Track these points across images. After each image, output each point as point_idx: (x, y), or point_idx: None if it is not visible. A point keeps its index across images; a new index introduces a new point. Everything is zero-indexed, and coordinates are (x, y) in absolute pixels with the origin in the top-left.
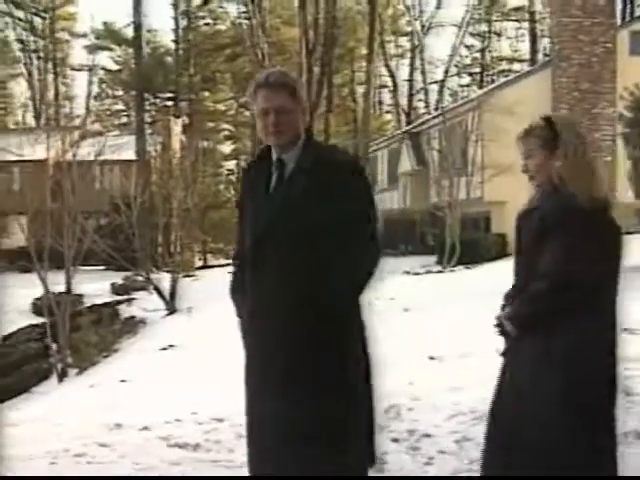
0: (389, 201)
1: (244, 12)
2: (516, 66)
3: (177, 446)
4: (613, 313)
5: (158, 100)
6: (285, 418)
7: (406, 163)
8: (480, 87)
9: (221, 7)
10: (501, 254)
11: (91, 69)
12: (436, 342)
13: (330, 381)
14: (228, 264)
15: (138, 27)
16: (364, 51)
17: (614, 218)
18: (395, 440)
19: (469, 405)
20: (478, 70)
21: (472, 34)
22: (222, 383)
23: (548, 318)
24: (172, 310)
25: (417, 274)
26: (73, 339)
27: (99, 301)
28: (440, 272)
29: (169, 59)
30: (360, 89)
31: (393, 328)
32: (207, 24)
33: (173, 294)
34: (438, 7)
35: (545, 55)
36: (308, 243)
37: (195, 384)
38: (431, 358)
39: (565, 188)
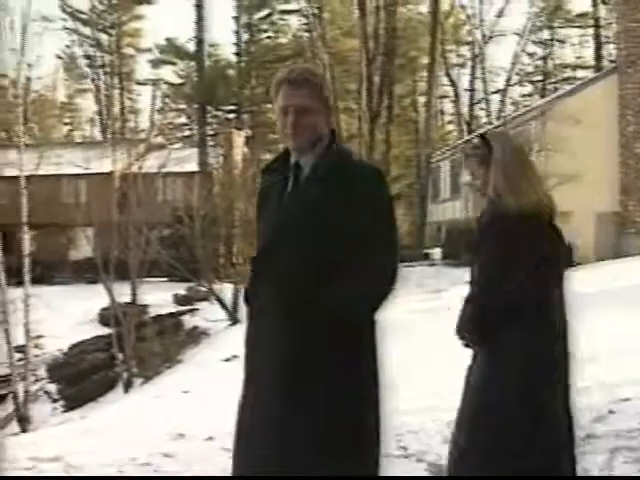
0: (451, 211)
1: (305, 24)
2: (580, 73)
3: None
4: (548, 314)
5: (220, 113)
6: (291, 424)
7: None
8: (542, 95)
9: (282, 19)
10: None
11: (155, 83)
12: None
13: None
14: None
15: (200, 41)
16: (425, 60)
17: (548, 224)
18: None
19: None
20: (540, 78)
21: (534, 42)
22: None
23: (482, 323)
24: (235, 321)
25: None
26: (138, 349)
27: (163, 312)
28: None
29: (231, 72)
30: (421, 99)
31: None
32: (269, 37)
33: (235, 304)
34: (499, 16)
35: (610, 61)
36: (320, 250)
37: None
38: None
39: (500, 199)
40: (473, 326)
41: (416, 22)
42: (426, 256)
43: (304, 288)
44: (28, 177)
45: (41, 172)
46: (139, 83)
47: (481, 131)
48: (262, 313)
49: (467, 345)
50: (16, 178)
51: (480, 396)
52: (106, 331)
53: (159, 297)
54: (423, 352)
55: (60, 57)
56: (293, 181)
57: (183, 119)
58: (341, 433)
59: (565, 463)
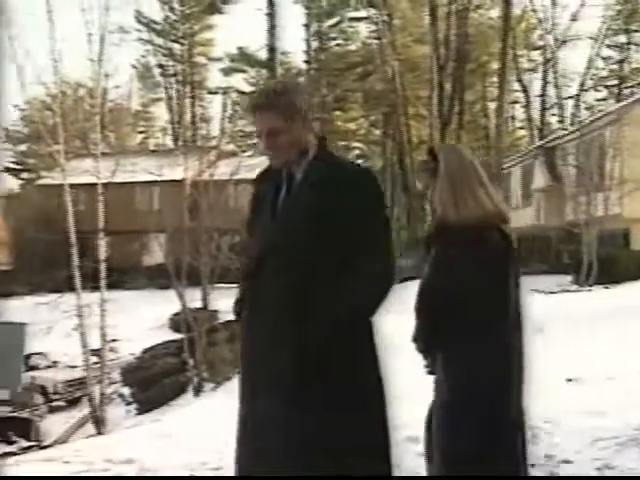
0: (523, 218)
1: (374, 31)
2: None
3: None
4: (497, 322)
5: None
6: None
7: (540, 179)
8: (618, 100)
9: (352, 27)
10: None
11: (225, 91)
12: (573, 364)
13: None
14: None
15: (272, 49)
16: (496, 66)
17: (490, 236)
18: (532, 465)
19: (611, 430)
20: (616, 82)
21: (609, 45)
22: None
23: (430, 331)
24: None
25: (552, 293)
26: (208, 354)
27: (232, 317)
28: (576, 291)
29: (301, 80)
30: (492, 105)
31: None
32: (338, 44)
33: None
34: (573, 19)
35: None
36: (315, 256)
37: None
38: (569, 380)
39: (443, 210)
40: (423, 336)
41: (487, 27)
42: None
43: (302, 296)
44: (104, 184)
45: (116, 180)
46: (210, 92)
47: (430, 146)
48: (261, 319)
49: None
50: (93, 185)
51: (441, 401)
52: (177, 336)
53: (230, 303)
54: None
55: (135, 67)
56: (286, 190)
57: (253, 127)
58: (347, 434)
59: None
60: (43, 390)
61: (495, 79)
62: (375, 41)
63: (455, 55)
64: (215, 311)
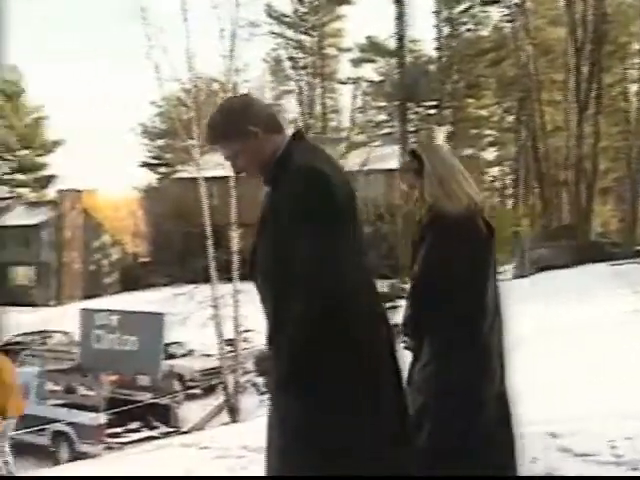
0: None
1: (506, 15)
2: None
3: None
4: (483, 302)
5: (421, 109)
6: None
7: None
8: None
9: (483, 11)
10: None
11: (355, 82)
12: None
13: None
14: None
15: (401, 38)
16: (636, 46)
17: (479, 223)
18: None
19: None
20: None
21: None
22: None
23: (418, 320)
24: None
25: None
26: None
27: None
28: None
29: (432, 67)
30: (633, 87)
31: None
32: (469, 30)
33: None
34: None
35: None
36: (270, 282)
37: None
38: None
39: (437, 203)
40: (412, 325)
41: (626, 6)
42: (638, 253)
43: (272, 316)
44: (236, 178)
45: None
46: (340, 82)
47: (412, 147)
48: None
49: (406, 347)
50: (226, 179)
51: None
52: None
53: None
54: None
55: (266, 61)
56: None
57: (383, 116)
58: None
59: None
60: (180, 378)
61: (636, 60)
62: (507, 25)
63: (592, 36)
64: None
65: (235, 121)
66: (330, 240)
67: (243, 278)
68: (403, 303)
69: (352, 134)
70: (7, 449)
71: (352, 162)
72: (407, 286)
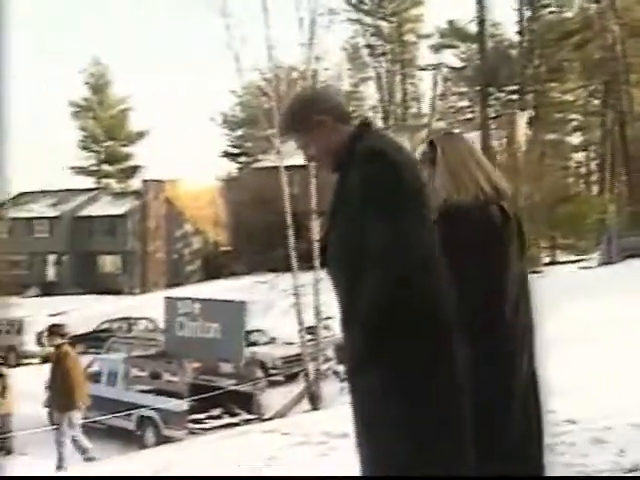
0: None
1: None
2: None
3: None
4: (501, 291)
5: (503, 94)
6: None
7: None
8: None
9: None
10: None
11: (436, 68)
12: None
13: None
14: (578, 260)
15: (482, 22)
16: None
17: (489, 212)
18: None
19: None
20: None
21: None
22: (576, 384)
23: None
24: None
25: None
26: None
27: None
28: None
29: (513, 52)
30: None
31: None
32: (552, 12)
33: None
34: None
35: None
36: (342, 265)
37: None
38: None
39: (448, 194)
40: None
41: None
42: None
43: (344, 299)
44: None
45: None
46: (420, 69)
47: (430, 138)
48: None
49: None
50: (306, 167)
51: None
52: None
53: None
54: None
55: (344, 48)
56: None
57: (464, 102)
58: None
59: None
60: (262, 365)
61: None
62: (593, 6)
63: None
64: None
65: (305, 113)
66: (402, 224)
67: (324, 266)
68: None
69: (432, 121)
70: (81, 437)
71: None
72: None
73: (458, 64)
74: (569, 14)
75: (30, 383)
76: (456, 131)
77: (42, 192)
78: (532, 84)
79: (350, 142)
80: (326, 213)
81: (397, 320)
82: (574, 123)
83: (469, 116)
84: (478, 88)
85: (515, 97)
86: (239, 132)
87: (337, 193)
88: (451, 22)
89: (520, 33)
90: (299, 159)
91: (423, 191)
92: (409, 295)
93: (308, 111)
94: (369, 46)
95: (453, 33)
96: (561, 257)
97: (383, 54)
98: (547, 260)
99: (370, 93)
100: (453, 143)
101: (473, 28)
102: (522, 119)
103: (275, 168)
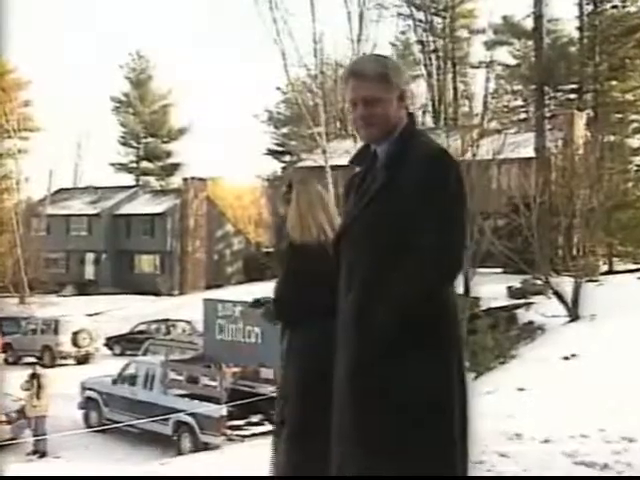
0: None
1: None
2: None
3: (583, 464)
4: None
5: (559, 93)
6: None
7: None
8: None
9: None
10: None
11: (489, 65)
12: None
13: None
14: (638, 269)
15: (539, 17)
16: None
17: (319, 252)
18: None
19: None
20: None
21: None
22: (632, 399)
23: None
24: (574, 317)
25: None
26: (470, 342)
27: (495, 304)
28: None
29: (572, 49)
30: None
31: None
32: (615, 6)
33: (575, 300)
34: None
35: None
36: (381, 239)
37: (601, 398)
38: None
39: (291, 232)
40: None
41: None
42: None
43: (358, 292)
44: None
45: None
46: (472, 66)
47: (290, 178)
48: (338, 311)
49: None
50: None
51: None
52: None
53: (492, 289)
54: None
55: (394, 44)
56: (370, 171)
57: (519, 102)
58: None
59: None
60: None
61: None
62: None
63: None
64: (477, 298)
65: (396, 70)
66: (460, 228)
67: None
68: (535, 299)
69: (485, 120)
70: None
71: (485, 150)
72: (540, 282)
73: (512, 61)
74: (633, 8)
75: (65, 384)
76: (309, 177)
77: (81, 189)
78: (591, 83)
79: (406, 129)
80: (352, 190)
81: (431, 314)
82: (635, 125)
83: (523, 116)
84: (533, 87)
85: (573, 96)
86: (284, 130)
87: (384, 175)
88: (506, 17)
89: (580, 29)
90: (345, 159)
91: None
92: (446, 296)
93: (404, 76)
94: (420, 42)
95: (508, 29)
96: (619, 266)
97: (434, 51)
98: (605, 268)
99: (420, 92)
100: (306, 187)
101: (529, 24)
102: (580, 119)
103: (320, 167)
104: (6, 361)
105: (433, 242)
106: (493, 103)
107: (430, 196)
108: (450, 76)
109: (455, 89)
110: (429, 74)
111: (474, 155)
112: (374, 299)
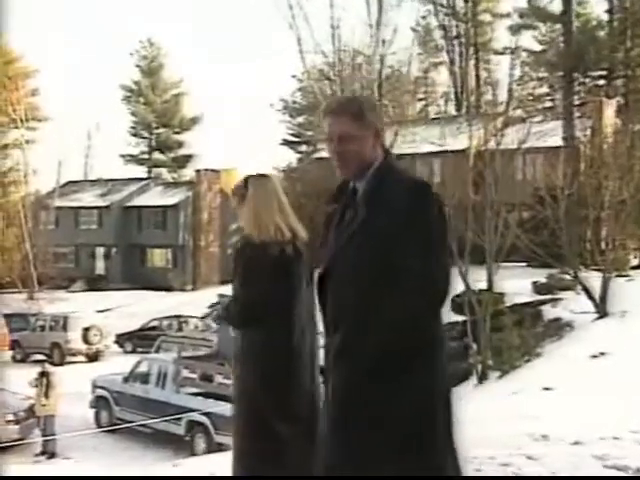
0: None
1: None
2: None
3: (615, 468)
4: (289, 317)
5: (588, 80)
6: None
7: None
8: None
9: None
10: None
11: (513, 51)
12: None
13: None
14: None
15: (567, 0)
16: None
17: (278, 251)
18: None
19: None
20: None
21: None
22: None
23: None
24: (603, 313)
25: None
26: (493, 340)
27: (520, 300)
28: None
29: (601, 33)
30: None
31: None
32: None
33: (604, 296)
34: None
35: None
36: (359, 284)
37: (631, 398)
38: None
39: (247, 230)
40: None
41: None
42: None
43: (345, 323)
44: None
45: (395, 151)
46: (496, 52)
47: (246, 176)
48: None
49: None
50: None
51: None
52: (459, 318)
53: (517, 284)
54: None
55: (414, 30)
56: (349, 207)
57: (545, 89)
58: None
59: None
60: (324, 371)
61: None
62: None
63: None
64: (501, 293)
65: (371, 109)
66: (443, 255)
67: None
68: (563, 295)
69: (509, 108)
70: None
71: (509, 139)
72: (567, 276)
73: (538, 47)
74: None
75: (76, 382)
76: (268, 173)
77: (91, 181)
78: (622, 69)
79: (384, 165)
80: (335, 226)
81: (418, 342)
82: None
83: (549, 104)
84: (561, 73)
85: (602, 83)
86: (300, 119)
87: (364, 207)
88: (531, 1)
89: (610, 11)
90: None
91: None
92: (436, 325)
93: (375, 112)
94: (442, 27)
95: (534, 12)
96: None
97: (457, 36)
98: (635, 262)
99: (442, 79)
100: (262, 186)
101: (555, 7)
102: (610, 107)
103: None
104: (14, 359)
105: (418, 270)
106: (518, 90)
107: (412, 225)
108: (473, 63)
109: (478, 76)
110: (451, 61)
111: (498, 144)
112: (363, 332)
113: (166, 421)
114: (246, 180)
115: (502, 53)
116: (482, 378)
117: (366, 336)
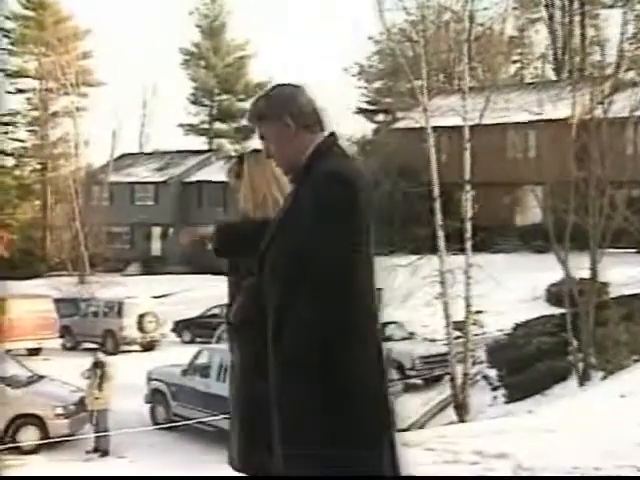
0: None
1: None
2: None
3: None
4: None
5: None
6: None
7: None
8: None
9: None
10: None
11: (625, 4)
12: None
13: None
14: None
15: None
16: None
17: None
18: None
19: None
20: None
21: None
22: None
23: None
24: None
25: None
26: (597, 336)
27: (628, 291)
28: None
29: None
30: None
31: None
32: None
33: None
34: None
35: None
36: (282, 272)
37: None
38: None
39: (245, 206)
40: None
41: None
42: None
43: (278, 306)
44: (471, 127)
45: (485, 121)
46: (605, 6)
47: (241, 154)
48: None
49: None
50: (457, 128)
51: None
52: (555, 311)
53: (624, 273)
54: None
55: None
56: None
57: None
58: None
59: None
60: (398, 365)
61: None
62: None
63: None
64: (606, 283)
65: (276, 106)
66: (347, 246)
67: (477, 249)
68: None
69: (620, 71)
70: None
71: (619, 106)
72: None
73: None
74: None
75: (130, 374)
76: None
77: (147, 154)
78: None
79: (311, 156)
80: (273, 220)
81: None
82: None
83: None
84: None
85: None
86: (377, 85)
87: (289, 203)
88: None
89: None
90: (451, 118)
91: (371, 219)
92: (337, 330)
93: (281, 107)
94: None
95: None
96: None
97: None
98: None
99: (539, 39)
100: (260, 161)
101: None
102: None
103: (420, 129)
104: (64, 346)
105: (318, 269)
106: (631, 50)
107: (316, 214)
108: (577, 19)
109: (583, 34)
110: (551, 17)
111: (605, 112)
112: (284, 323)
113: (228, 418)
114: (241, 157)
115: (612, 6)
116: (584, 379)
117: (286, 329)
